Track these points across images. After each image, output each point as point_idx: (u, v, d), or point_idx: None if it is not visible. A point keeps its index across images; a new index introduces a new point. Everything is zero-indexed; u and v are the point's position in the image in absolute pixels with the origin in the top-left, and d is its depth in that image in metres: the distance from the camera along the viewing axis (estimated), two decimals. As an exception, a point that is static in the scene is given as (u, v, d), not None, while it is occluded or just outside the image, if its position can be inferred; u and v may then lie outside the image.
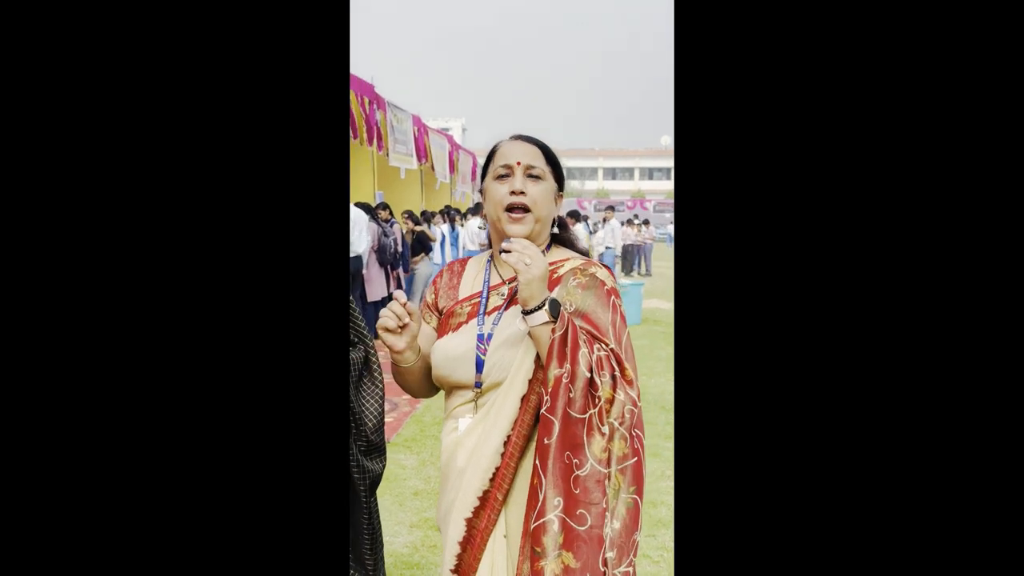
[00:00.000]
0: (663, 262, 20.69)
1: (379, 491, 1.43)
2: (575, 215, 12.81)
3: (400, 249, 8.33)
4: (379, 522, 1.41)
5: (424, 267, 9.04)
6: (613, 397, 1.28)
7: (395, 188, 10.66)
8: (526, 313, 1.31)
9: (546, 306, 1.29)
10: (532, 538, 1.25)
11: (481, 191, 1.49)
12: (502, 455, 1.34)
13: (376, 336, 1.43)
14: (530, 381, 1.35)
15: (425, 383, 1.52)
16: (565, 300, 1.38)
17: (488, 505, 1.35)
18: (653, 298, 12.23)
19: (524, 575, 1.26)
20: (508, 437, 1.34)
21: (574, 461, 1.26)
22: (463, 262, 1.60)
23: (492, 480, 1.34)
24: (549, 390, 1.27)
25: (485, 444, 1.35)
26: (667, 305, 11.54)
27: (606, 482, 1.27)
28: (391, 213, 8.34)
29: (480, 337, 1.40)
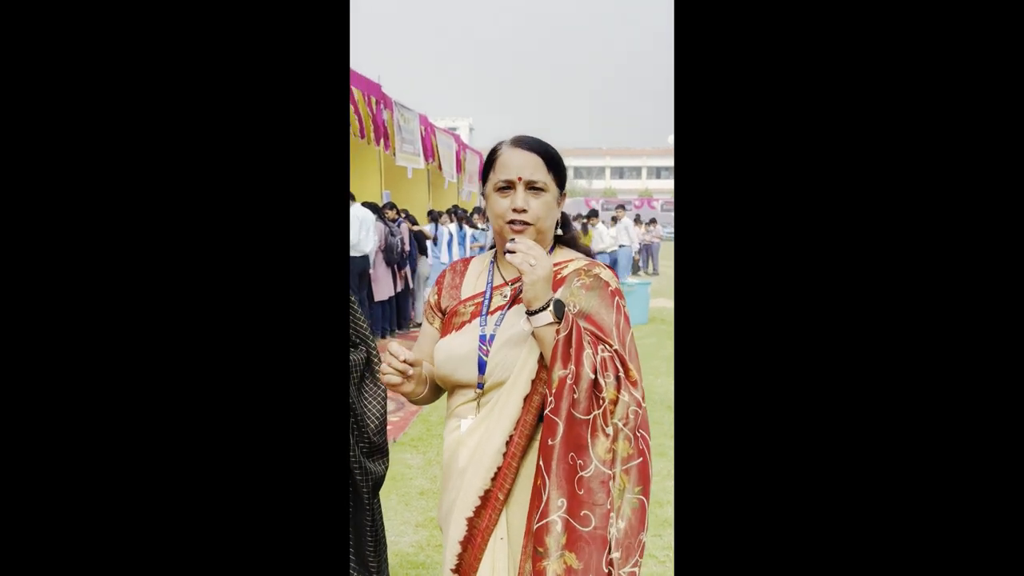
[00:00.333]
0: (670, 261, 20.60)
1: (384, 490, 1.43)
2: (595, 214, 12.78)
3: (408, 248, 8.35)
4: (382, 523, 1.41)
5: (422, 266, 9.08)
6: (617, 398, 1.28)
7: (402, 188, 10.68)
8: (530, 314, 1.31)
9: (550, 307, 1.29)
10: (535, 538, 1.25)
11: (483, 195, 1.49)
12: (504, 455, 1.34)
13: (380, 336, 1.43)
14: (533, 381, 1.34)
15: (430, 395, 1.52)
16: (569, 301, 1.37)
17: (489, 505, 1.35)
18: (660, 297, 12.20)
19: (526, 575, 1.26)
20: (510, 437, 1.34)
21: (578, 462, 1.26)
22: (466, 262, 1.60)
23: (494, 480, 1.35)
24: (553, 391, 1.26)
25: (487, 444, 1.35)
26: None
27: (611, 483, 1.26)
28: (398, 212, 8.35)
29: (482, 338, 1.40)
